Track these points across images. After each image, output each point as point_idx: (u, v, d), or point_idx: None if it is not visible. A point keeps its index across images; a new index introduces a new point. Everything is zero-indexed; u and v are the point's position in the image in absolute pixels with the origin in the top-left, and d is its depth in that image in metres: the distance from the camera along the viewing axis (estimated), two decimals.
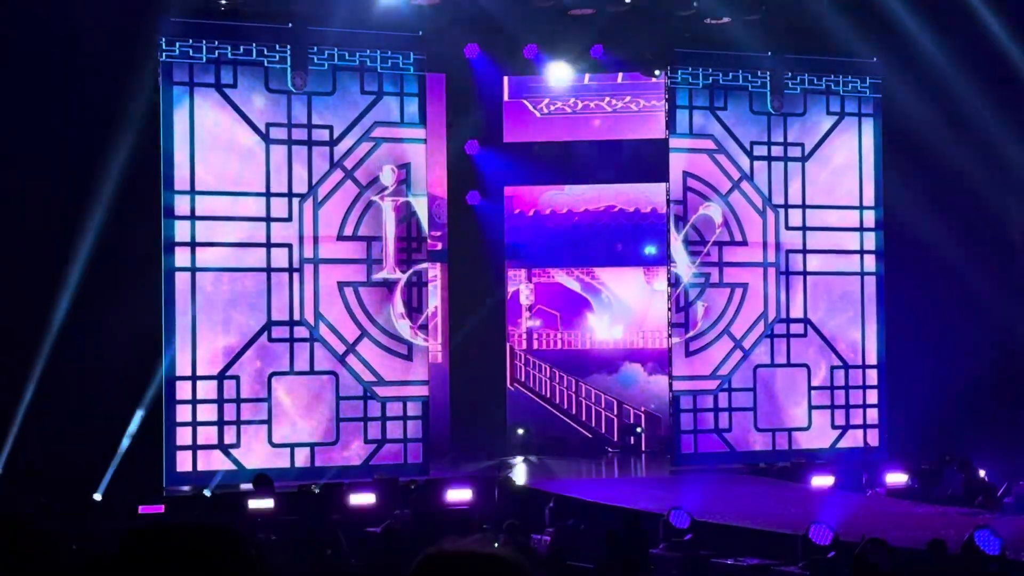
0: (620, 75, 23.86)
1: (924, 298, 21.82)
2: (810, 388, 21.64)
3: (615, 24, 21.19)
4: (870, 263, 21.90)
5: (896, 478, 19.23)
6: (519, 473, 20.33)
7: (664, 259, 21.90)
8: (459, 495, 17.68)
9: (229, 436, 18.82)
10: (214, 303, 18.82)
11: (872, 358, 21.82)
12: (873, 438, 21.67)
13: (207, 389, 18.77)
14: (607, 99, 24.10)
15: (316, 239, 19.37)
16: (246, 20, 19.09)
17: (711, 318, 21.29)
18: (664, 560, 14.08)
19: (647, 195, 23.78)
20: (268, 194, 19.17)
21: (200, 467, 18.55)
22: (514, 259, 24.18)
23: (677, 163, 21.14)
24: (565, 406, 24.21)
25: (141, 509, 16.12)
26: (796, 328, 21.63)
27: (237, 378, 18.91)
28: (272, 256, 19.16)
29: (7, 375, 17.39)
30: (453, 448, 22.10)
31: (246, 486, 17.75)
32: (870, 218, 21.91)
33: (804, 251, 21.69)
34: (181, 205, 18.64)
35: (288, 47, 19.23)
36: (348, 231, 19.57)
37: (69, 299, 17.62)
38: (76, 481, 16.91)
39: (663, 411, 22.45)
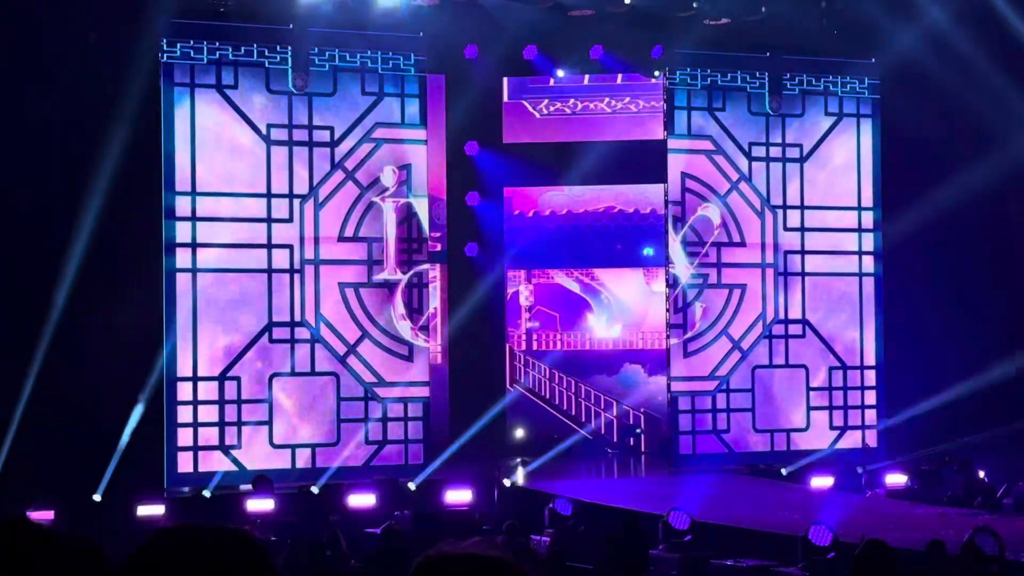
0: (620, 76, 23.87)
1: (922, 299, 21.84)
2: (808, 389, 21.66)
3: (615, 25, 21.21)
4: (868, 264, 21.92)
5: (895, 479, 19.26)
6: (519, 474, 20.34)
7: (662, 260, 21.92)
8: (459, 496, 17.72)
9: (230, 437, 18.85)
10: (215, 304, 18.84)
11: (870, 359, 21.84)
12: (872, 439, 21.69)
13: (208, 390, 18.79)
14: (607, 100, 24.12)
15: (317, 240, 19.39)
16: (247, 21, 19.11)
17: (709, 319, 21.32)
18: (663, 561, 14.11)
19: (646, 196, 23.79)
20: (269, 195, 19.20)
21: (201, 468, 18.55)
22: (513, 260, 24.18)
23: (675, 164, 21.17)
24: (565, 407, 24.24)
25: (140, 510, 16.15)
26: (794, 329, 21.65)
27: (238, 379, 18.94)
28: (273, 257, 19.19)
29: (7, 376, 17.39)
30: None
31: (246, 487, 17.79)
32: (868, 219, 21.93)
33: (802, 252, 21.71)
34: (182, 206, 18.66)
35: (289, 48, 19.25)
36: (349, 232, 19.60)
37: (70, 300, 17.61)
38: (76, 482, 16.94)
39: (663, 412, 22.47)
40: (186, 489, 18.30)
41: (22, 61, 17.64)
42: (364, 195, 19.69)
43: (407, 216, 19.93)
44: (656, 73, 22.15)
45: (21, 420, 17.36)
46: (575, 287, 24.47)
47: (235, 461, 18.81)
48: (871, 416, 21.75)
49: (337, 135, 19.60)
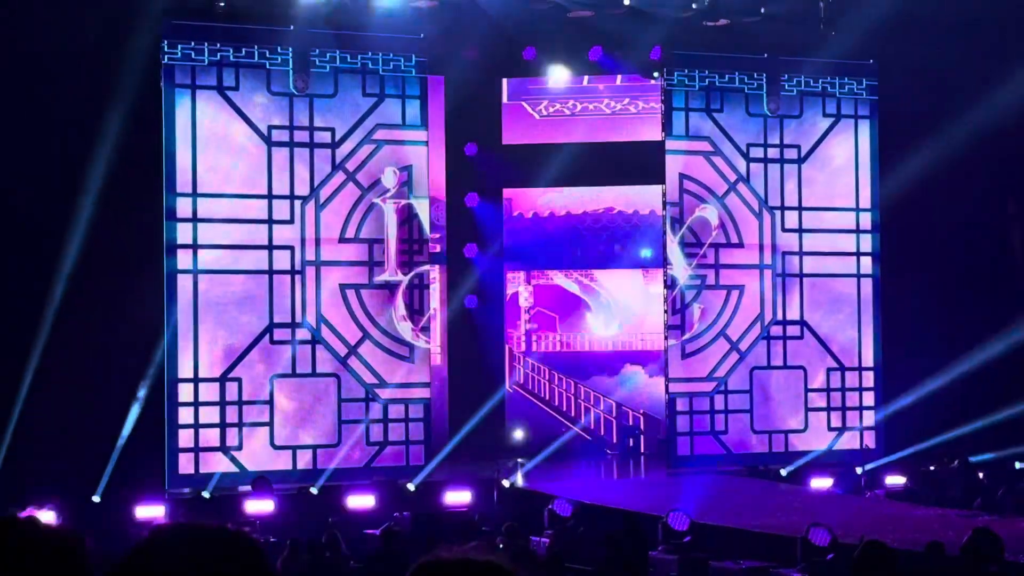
0: (619, 77, 23.88)
1: (920, 300, 21.86)
2: (806, 390, 21.68)
3: (614, 26, 21.22)
4: (866, 265, 21.93)
5: (895, 480, 19.28)
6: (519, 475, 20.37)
7: (660, 261, 21.94)
8: (458, 497, 17.74)
9: (231, 438, 18.87)
10: (216, 305, 18.86)
11: (868, 360, 21.85)
12: (870, 440, 21.71)
13: (209, 391, 18.81)
14: (606, 101, 24.13)
15: (318, 241, 19.42)
16: (248, 22, 19.12)
17: (707, 320, 21.34)
18: (663, 562, 14.13)
19: (645, 197, 23.81)
20: (270, 196, 19.22)
21: (202, 469, 18.56)
22: (512, 261, 24.20)
23: (673, 165, 21.19)
24: (564, 408, 24.25)
25: (140, 511, 16.16)
26: (792, 330, 21.67)
27: (239, 380, 18.96)
28: (274, 258, 19.21)
29: (7, 377, 17.42)
30: (452, 450, 22.12)
31: (245, 488, 17.81)
32: (866, 220, 21.94)
33: (800, 253, 21.73)
34: (183, 207, 18.69)
35: (290, 49, 19.27)
36: (350, 233, 19.62)
37: (71, 302, 17.64)
38: (76, 483, 16.96)
39: (662, 413, 22.48)
40: (187, 490, 18.31)
41: (23, 62, 17.66)
42: (365, 196, 19.71)
43: (408, 217, 19.96)
44: (655, 74, 22.17)
45: (22, 421, 17.38)
46: (574, 288, 24.49)
47: (236, 462, 18.84)
48: (869, 417, 21.77)
49: (338, 136, 19.62)
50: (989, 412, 20.27)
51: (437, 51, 20.56)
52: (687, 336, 21.22)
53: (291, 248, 19.28)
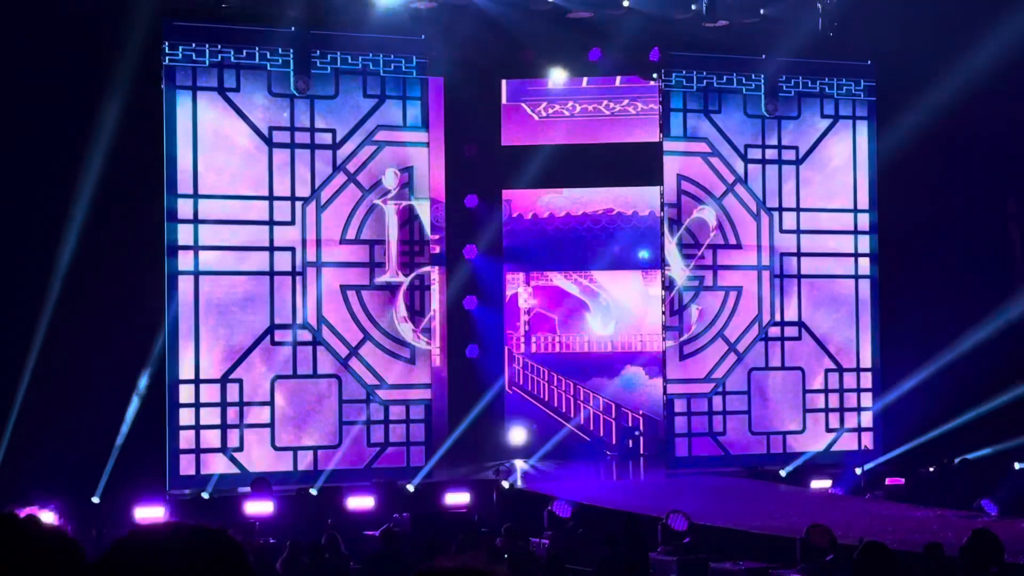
0: (618, 78, 23.89)
1: (918, 301, 21.89)
2: (804, 391, 21.70)
3: (613, 27, 21.24)
4: (864, 266, 21.95)
5: (895, 480, 19.30)
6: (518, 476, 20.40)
7: (658, 262, 21.96)
8: (457, 498, 17.76)
9: (232, 439, 18.89)
10: (217, 307, 18.89)
11: (866, 361, 21.88)
12: (868, 441, 21.73)
13: (210, 392, 18.84)
14: (605, 102, 24.14)
15: (319, 242, 19.45)
16: (249, 24, 19.15)
17: (705, 321, 21.37)
18: (662, 563, 14.16)
19: (645, 198, 23.80)
20: (271, 197, 19.25)
21: (203, 471, 18.59)
22: (512, 262, 24.19)
23: (671, 166, 21.22)
24: (563, 409, 24.26)
25: (139, 512, 16.19)
26: (790, 331, 21.69)
27: (240, 381, 18.99)
28: (275, 259, 19.24)
29: (8, 378, 17.44)
30: (452, 451, 22.14)
31: (244, 489, 17.84)
32: (864, 221, 21.96)
33: (798, 254, 21.75)
34: (184, 209, 18.71)
35: (291, 51, 19.30)
36: (351, 234, 19.65)
37: (72, 303, 17.65)
38: (77, 484, 16.99)
39: (661, 414, 22.50)
40: (187, 491, 18.33)
41: (23, 63, 17.67)
42: (366, 197, 19.74)
43: (409, 218, 19.99)
44: (654, 76, 22.19)
45: (23, 422, 17.40)
46: (574, 289, 24.50)
47: (237, 463, 18.86)
48: (867, 418, 21.79)
49: (339, 137, 19.65)
50: (987, 412, 20.30)
51: (436, 52, 20.58)
52: (685, 337, 21.25)
53: (292, 249, 19.31)
